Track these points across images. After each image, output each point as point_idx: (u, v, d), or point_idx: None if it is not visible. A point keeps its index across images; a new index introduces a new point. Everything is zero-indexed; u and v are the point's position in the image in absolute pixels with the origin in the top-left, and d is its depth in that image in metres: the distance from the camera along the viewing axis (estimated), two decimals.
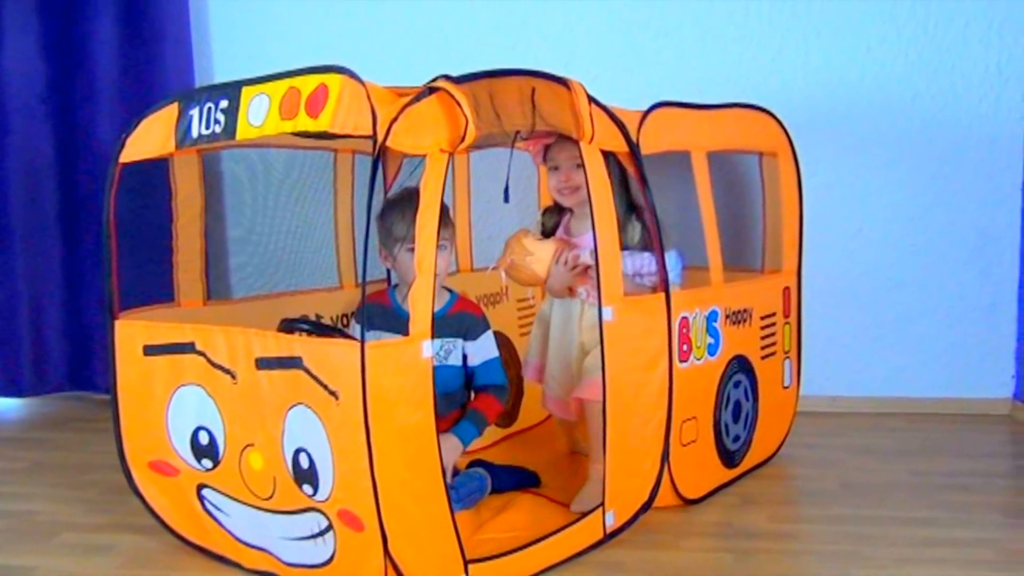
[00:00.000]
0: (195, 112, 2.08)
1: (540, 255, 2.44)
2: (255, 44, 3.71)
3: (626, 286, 2.32)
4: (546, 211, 2.69)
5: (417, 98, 1.84)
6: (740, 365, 2.72)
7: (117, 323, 2.26)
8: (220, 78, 3.62)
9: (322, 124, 1.82)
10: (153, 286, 2.50)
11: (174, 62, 3.64)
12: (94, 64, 3.67)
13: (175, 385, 2.12)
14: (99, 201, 3.58)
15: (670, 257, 2.41)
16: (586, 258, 2.40)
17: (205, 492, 2.17)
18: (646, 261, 2.41)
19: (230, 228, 3.18)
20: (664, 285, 2.38)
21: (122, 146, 2.25)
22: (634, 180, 2.38)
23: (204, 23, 3.75)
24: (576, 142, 2.20)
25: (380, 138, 1.76)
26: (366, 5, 3.63)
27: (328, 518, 1.91)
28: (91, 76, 3.68)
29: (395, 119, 1.78)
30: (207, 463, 2.11)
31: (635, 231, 2.45)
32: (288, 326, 2.14)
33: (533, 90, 2.05)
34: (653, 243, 2.38)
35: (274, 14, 3.69)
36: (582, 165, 2.22)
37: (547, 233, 2.65)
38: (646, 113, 2.44)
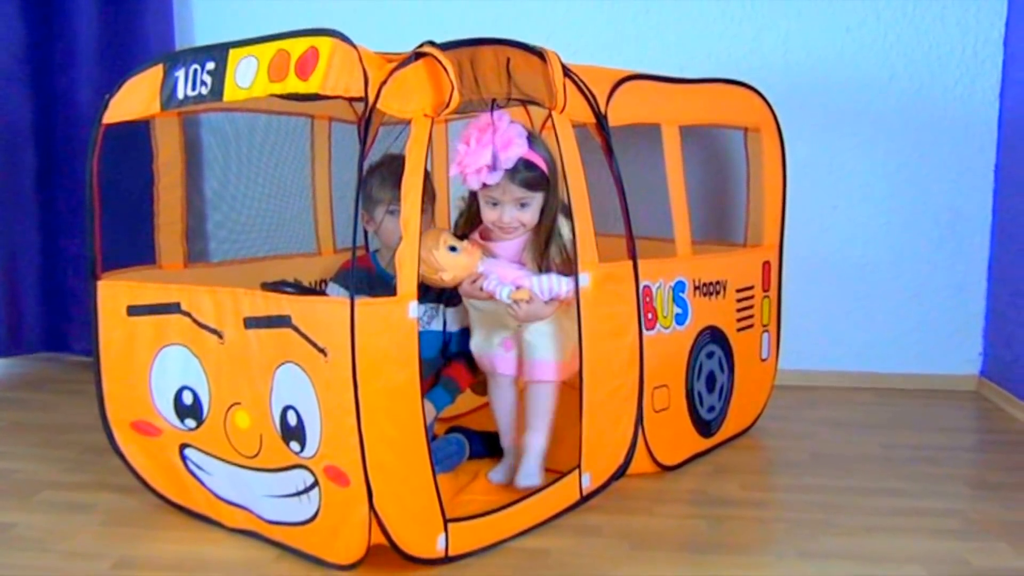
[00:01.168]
0: (180, 73, 2.08)
1: (454, 273, 2.24)
2: (236, 12, 3.67)
3: (545, 310, 2.29)
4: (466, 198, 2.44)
5: (404, 63, 1.85)
6: (712, 336, 2.75)
7: (100, 283, 2.26)
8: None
9: (312, 86, 1.83)
10: (131, 250, 2.50)
11: (154, 29, 3.59)
12: (73, 29, 3.61)
13: (159, 346, 2.13)
14: (75, 165, 3.61)
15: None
16: (503, 298, 2.26)
17: (188, 452, 2.19)
18: (556, 283, 2.26)
19: (208, 192, 3.17)
20: (632, 253, 2.40)
21: (105, 107, 2.23)
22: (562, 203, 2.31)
23: None
24: (516, 181, 2.17)
25: (371, 100, 1.77)
26: None
27: (314, 474, 1.93)
28: (70, 41, 3.62)
29: (384, 82, 1.79)
30: (190, 423, 2.13)
31: (555, 253, 2.32)
32: (270, 289, 2.14)
33: (508, 59, 2.06)
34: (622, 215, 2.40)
35: None
36: (527, 204, 2.21)
37: (465, 219, 2.43)
38: (615, 86, 2.45)
